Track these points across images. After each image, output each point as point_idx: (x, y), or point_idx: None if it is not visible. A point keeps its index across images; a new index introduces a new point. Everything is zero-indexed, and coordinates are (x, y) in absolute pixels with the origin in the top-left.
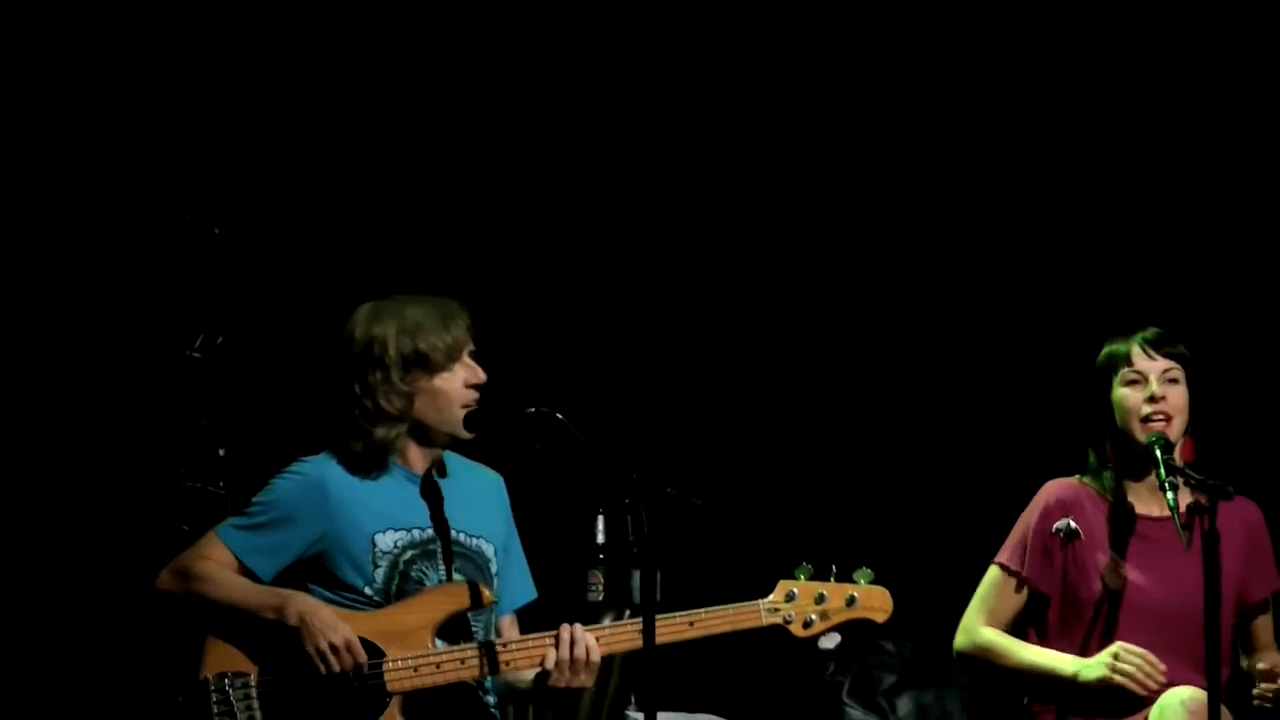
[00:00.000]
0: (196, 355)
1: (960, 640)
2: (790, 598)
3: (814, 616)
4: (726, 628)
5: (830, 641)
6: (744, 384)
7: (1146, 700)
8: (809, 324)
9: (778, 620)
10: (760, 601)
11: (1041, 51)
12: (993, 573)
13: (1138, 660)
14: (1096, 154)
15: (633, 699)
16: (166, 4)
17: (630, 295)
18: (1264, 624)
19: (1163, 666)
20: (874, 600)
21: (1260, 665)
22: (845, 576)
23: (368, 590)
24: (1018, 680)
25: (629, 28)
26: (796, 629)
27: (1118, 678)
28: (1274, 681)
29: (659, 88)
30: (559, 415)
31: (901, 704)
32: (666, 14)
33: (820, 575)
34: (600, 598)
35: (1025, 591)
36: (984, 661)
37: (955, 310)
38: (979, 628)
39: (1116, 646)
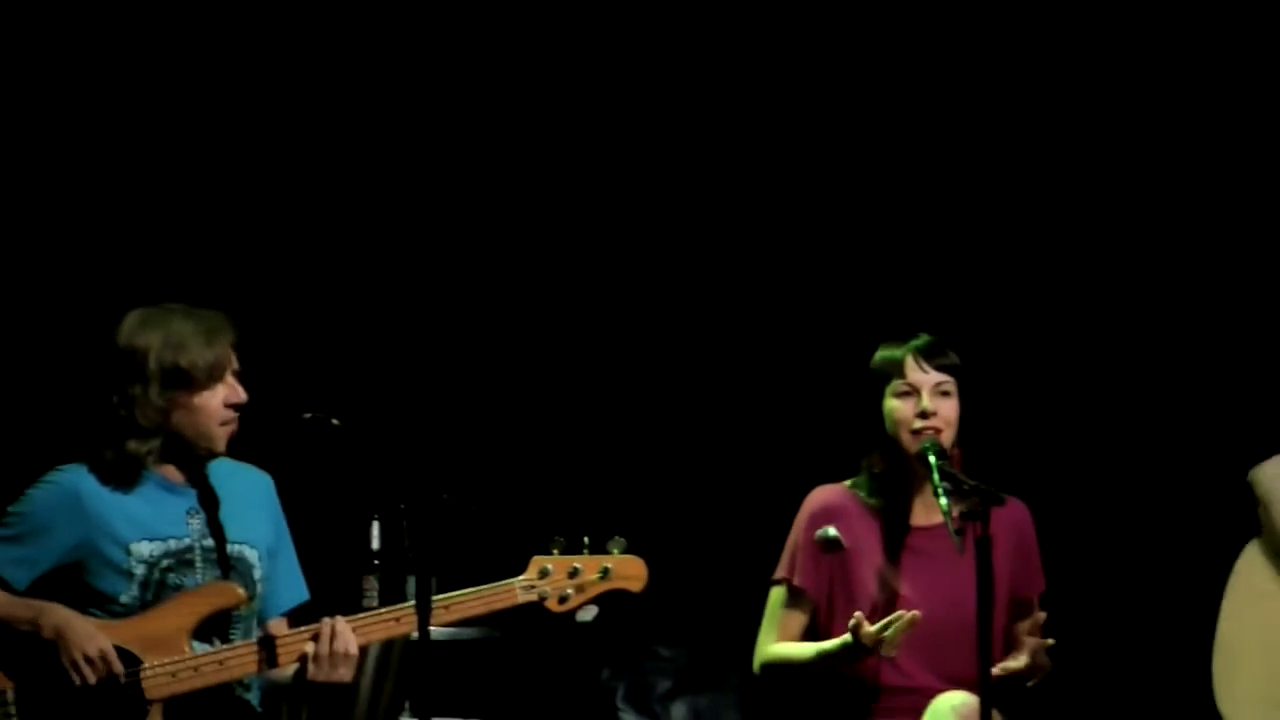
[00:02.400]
0: None
1: (755, 664)
2: (544, 574)
3: (569, 591)
4: (483, 609)
5: (588, 614)
6: (511, 383)
7: (916, 705)
8: (580, 324)
9: (533, 598)
10: (514, 580)
11: (816, 58)
12: (775, 592)
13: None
14: (866, 159)
15: (407, 706)
16: None
17: (372, 286)
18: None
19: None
20: (628, 570)
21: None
22: (599, 548)
23: (124, 599)
24: (815, 679)
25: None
26: (553, 605)
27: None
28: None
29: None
30: (335, 421)
31: (676, 709)
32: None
33: (573, 549)
34: (375, 604)
35: (806, 602)
36: (782, 675)
37: (734, 302)
38: (766, 647)
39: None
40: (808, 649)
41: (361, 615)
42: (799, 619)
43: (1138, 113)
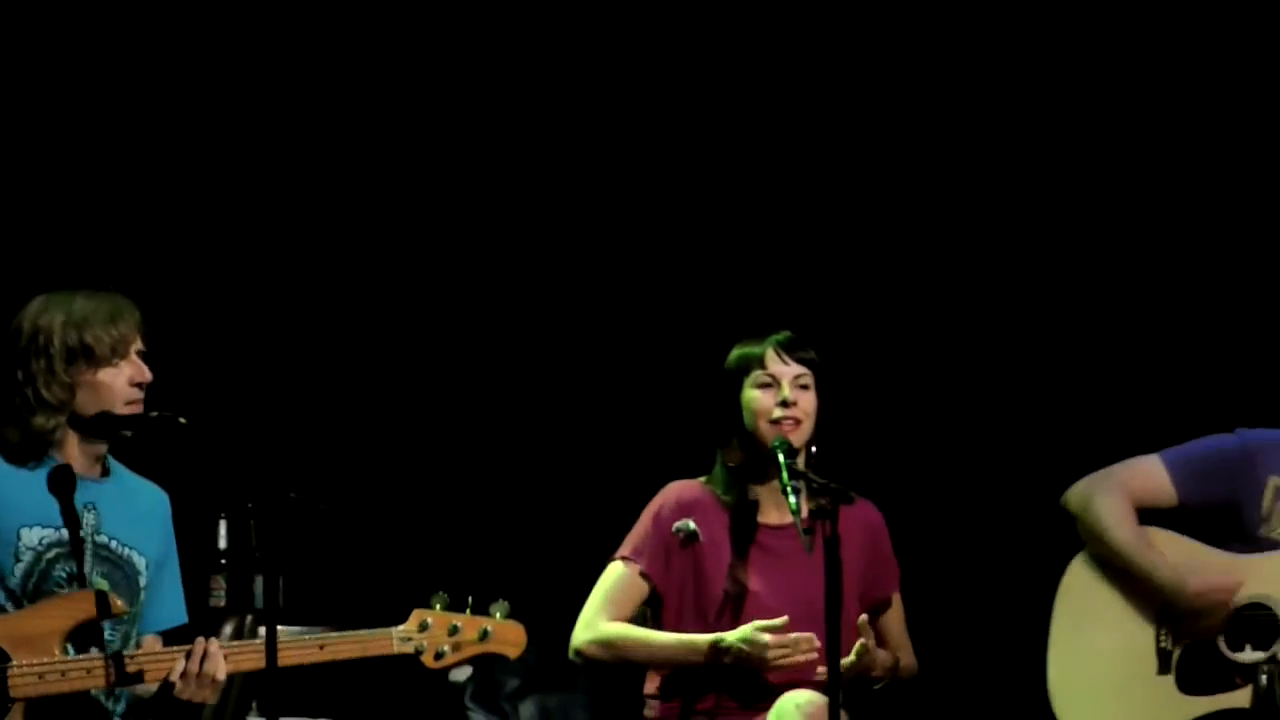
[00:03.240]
0: None
1: (581, 636)
2: (424, 627)
3: (446, 648)
4: (357, 653)
5: (461, 674)
6: (386, 402)
7: (763, 703)
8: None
9: (409, 649)
10: (393, 629)
11: (663, 58)
12: (614, 568)
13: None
14: (722, 156)
15: (254, 705)
16: None
17: (222, 284)
18: (890, 621)
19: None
20: (508, 635)
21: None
22: (481, 609)
23: (9, 583)
24: (646, 667)
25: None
26: (428, 659)
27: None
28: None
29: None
30: (182, 420)
31: (525, 708)
32: None
33: (456, 605)
34: (222, 603)
35: (647, 587)
36: (606, 656)
37: (575, 314)
38: (601, 622)
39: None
40: (664, 638)
41: (235, 643)
42: (634, 602)
43: (979, 116)
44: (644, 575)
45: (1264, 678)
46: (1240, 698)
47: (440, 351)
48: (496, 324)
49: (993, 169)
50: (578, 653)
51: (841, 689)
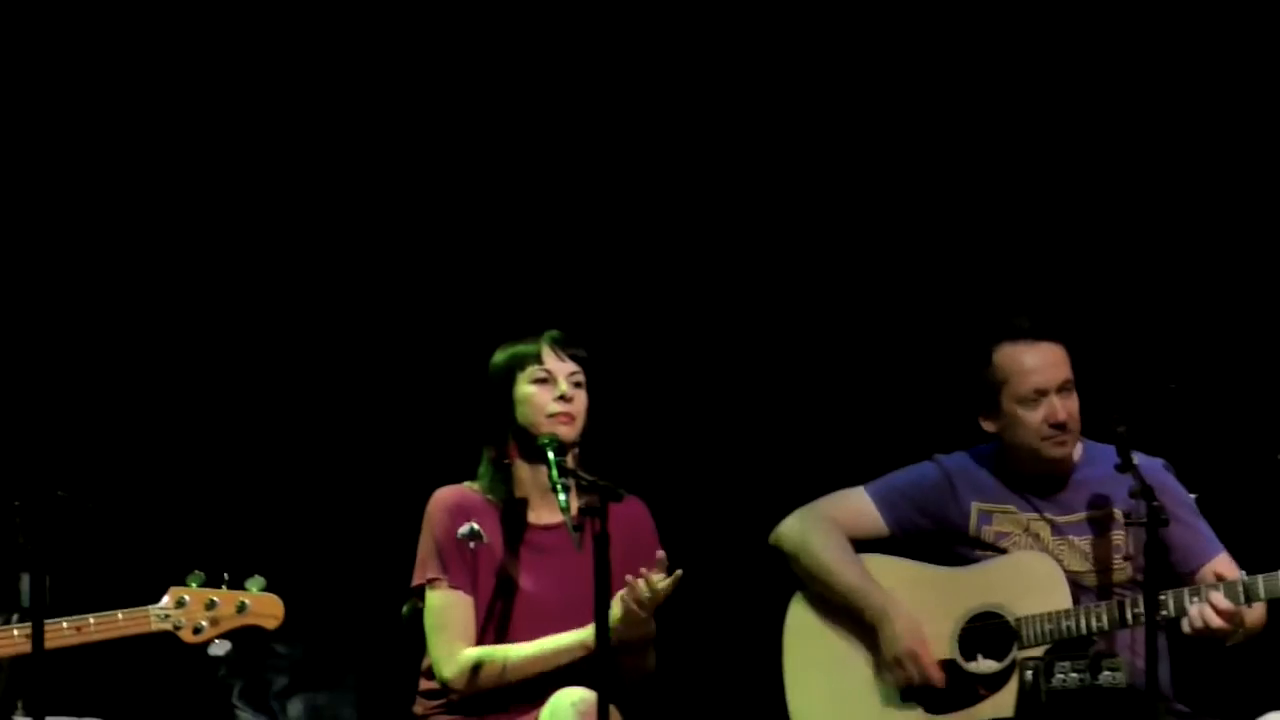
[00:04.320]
0: None
1: (449, 672)
2: (181, 604)
3: (204, 623)
4: (115, 634)
5: (221, 649)
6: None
7: (533, 702)
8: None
9: (167, 626)
10: (150, 608)
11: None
12: (432, 596)
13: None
14: (478, 159)
15: (20, 705)
16: None
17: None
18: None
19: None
20: (265, 607)
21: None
22: (237, 584)
23: None
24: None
25: None
26: (186, 635)
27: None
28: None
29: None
30: None
31: (293, 706)
32: None
33: (213, 582)
34: None
35: (470, 599)
36: (487, 683)
37: (336, 309)
38: (457, 653)
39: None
40: (522, 651)
41: None
42: (468, 617)
43: (739, 122)
44: (458, 589)
45: (1029, 674)
46: (989, 709)
47: (201, 333)
48: (256, 309)
49: (742, 179)
50: (452, 689)
51: (613, 685)
